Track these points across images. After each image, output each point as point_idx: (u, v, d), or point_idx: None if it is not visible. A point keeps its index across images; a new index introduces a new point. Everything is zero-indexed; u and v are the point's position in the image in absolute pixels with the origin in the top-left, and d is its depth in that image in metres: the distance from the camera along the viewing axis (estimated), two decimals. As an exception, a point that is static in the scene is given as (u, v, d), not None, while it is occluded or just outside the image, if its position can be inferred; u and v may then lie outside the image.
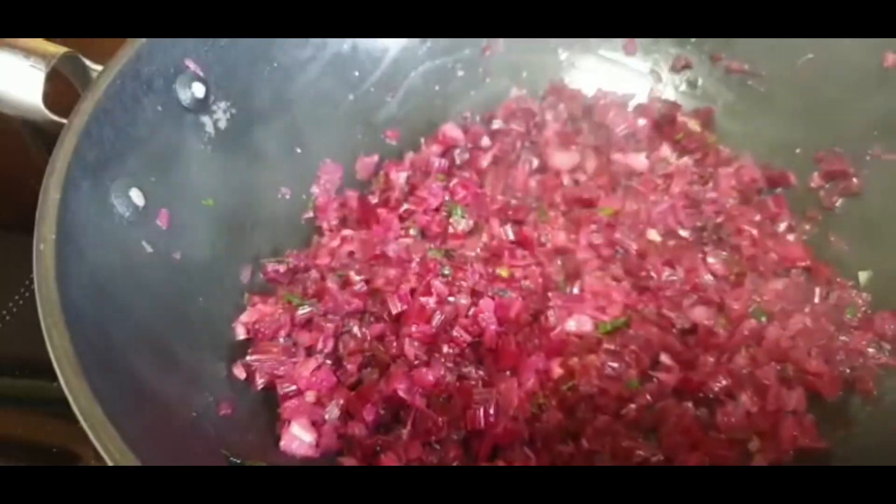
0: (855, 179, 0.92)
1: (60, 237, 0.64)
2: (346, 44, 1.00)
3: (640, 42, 1.08)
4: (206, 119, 0.89)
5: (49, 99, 0.78)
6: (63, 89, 0.80)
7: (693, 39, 1.05)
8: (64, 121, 0.74)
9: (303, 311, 0.83)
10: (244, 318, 0.84)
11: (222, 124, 0.91)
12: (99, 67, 0.81)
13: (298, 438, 0.73)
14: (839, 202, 0.94)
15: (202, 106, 0.88)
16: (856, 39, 0.89)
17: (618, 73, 1.10)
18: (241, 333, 0.83)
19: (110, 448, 0.51)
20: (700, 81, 1.07)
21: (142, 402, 0.62)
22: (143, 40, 0.80)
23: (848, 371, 0.82)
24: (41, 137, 0.78)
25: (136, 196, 0.77)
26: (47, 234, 0.63)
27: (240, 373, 0.79)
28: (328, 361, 0.80)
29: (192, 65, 0.86)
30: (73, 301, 0.61)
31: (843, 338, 0.84)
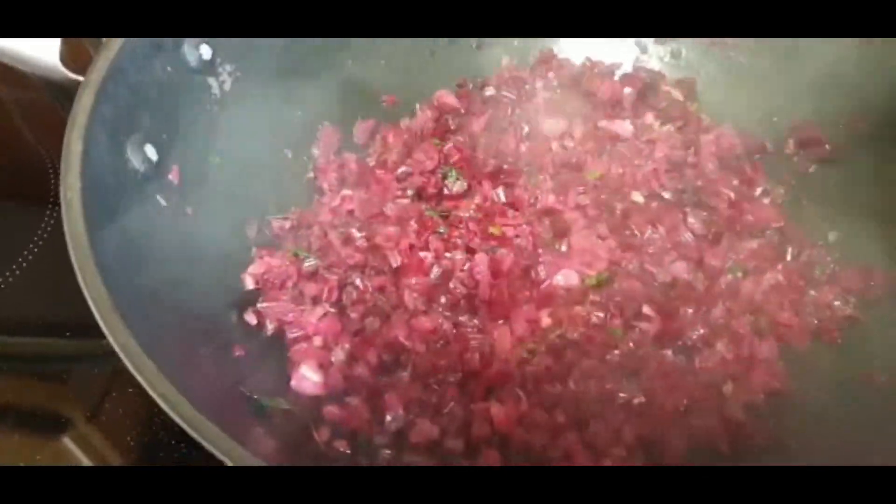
0: (827, 146, 0.98)
1: (85, 186, 0.68)
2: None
3: (626, 13, 1.13)
4: (212, 81, 0.93)
5: (65, 58, 0.82)
6: (77, 49, 0.83)
7: (678, 11, 1.10)
8: (80, 78, 0.78)
9: (308, 264, 0.88)
10: (252, 269, 0.88)
11: (227, 86, 0.94)
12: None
13: (307, 378, 0.78)
14: (812, 168, 1.00)
15: (209, 68, 0.92)
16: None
17: (605, 44, 1.14)
18: (249, 284, 0.88)
19: (150, 378, 0.56)
20: (683, 52, 1.12)
21: (169, 339, 0.67)
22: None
23: (816, 322, 0.88)
24: (62, 94, 0.80)
25: (150, 151, 0.81)
26: (73, 183, 0.67)
27: (251, 319, 0.83)
28: (333, 310, 0.85)
29: (200, 27, 0.89)
30: (100, 246, 0.65)
31: (812, 293, 0.91)
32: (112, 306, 0.59)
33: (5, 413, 0.87)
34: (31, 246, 1.01)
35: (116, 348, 0.57)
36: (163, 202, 0.82)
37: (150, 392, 0.56)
